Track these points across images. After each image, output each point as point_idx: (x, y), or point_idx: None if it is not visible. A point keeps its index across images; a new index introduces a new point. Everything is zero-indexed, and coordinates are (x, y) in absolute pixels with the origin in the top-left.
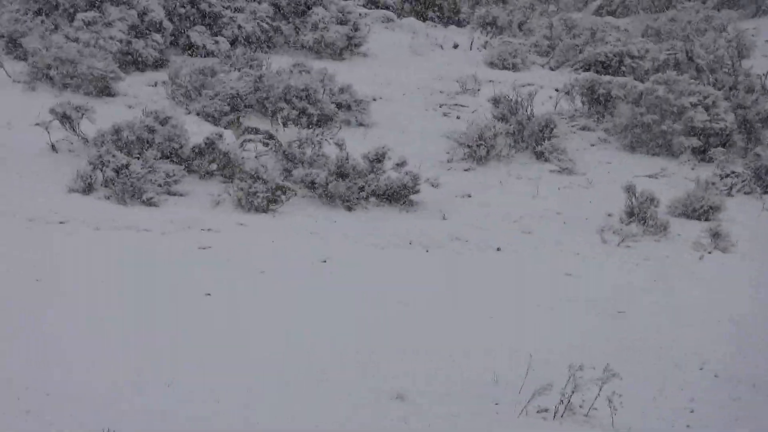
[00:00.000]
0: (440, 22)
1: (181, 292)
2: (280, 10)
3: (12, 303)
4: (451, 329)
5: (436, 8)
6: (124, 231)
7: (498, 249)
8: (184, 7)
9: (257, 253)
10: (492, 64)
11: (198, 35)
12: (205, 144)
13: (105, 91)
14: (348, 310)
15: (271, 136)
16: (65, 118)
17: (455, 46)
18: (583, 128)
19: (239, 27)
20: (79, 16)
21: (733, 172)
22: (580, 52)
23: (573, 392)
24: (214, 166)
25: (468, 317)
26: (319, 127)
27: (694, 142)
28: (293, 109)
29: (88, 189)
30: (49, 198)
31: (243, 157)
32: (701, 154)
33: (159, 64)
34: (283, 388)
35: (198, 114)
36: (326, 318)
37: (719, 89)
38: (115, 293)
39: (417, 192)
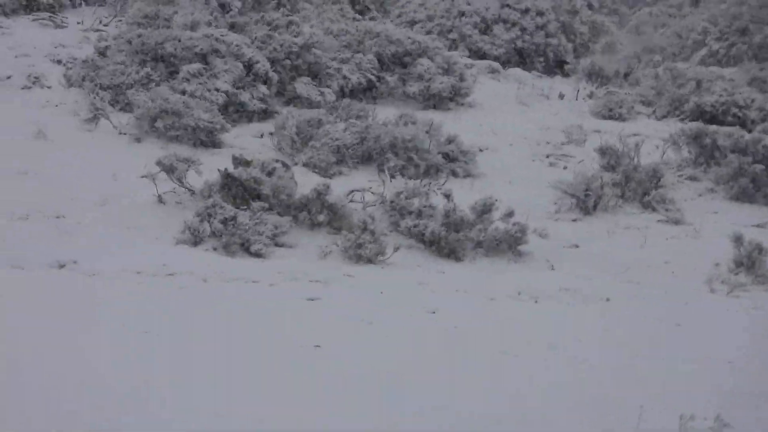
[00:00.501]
0: (545, 73)
1: (291, 344)
2: (384, 61)
3: (130, 360)
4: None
5: (541, 59)
6: (232, 283)
7: (607, 299)
8: (289, 58)
9: (365, 305)
10: (598, 114)
11: (303, 86)
12: (312, 195)
13: (211, 142)
14: (459, 361)
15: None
16: (172, 170)
17: (561, 97)
18: (690, 178)
19: (345, 78)
20: (185, 67)
21: None
22: (686, 102)
23: None
24: (321, 218)
25: (586, 367)
26: (426, 177)
27: None
28: (400, 159)
29: (195, 241)
30: (158, 250)
31: (350, 209)
32: None
33: (265, 116)
34: None
35: (305, 165)
36: (437, 370)
37: None
38: (223, 345)
39: (525, 242)
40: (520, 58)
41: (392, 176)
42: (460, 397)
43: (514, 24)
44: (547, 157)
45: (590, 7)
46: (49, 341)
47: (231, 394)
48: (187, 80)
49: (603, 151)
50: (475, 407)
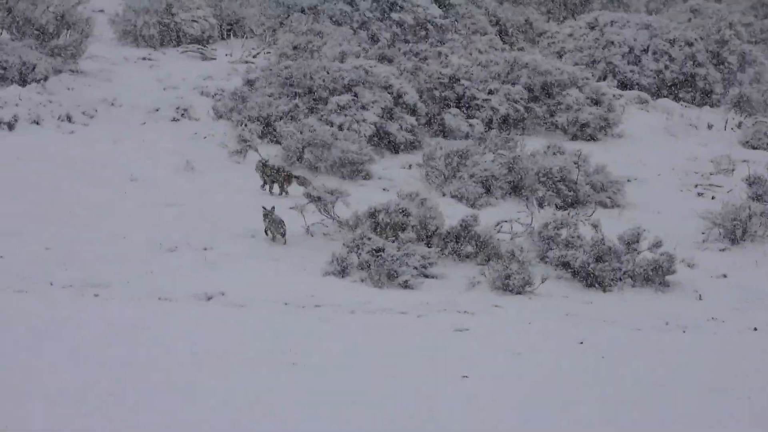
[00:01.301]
0: (694, 103)
1: (439, 375)
2: (533, 92)
3: (269, 385)
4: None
5: (689, 89)
6: (379, 314)
7: (755, 329)
8: (438, 89)
9: (513, 335)
10: (746, 144)
11: (452, 117)
12: (460, 226)
13: (359, 173)
14: (609, 394)
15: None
16: (320, 202)
17: (709, 127)
18: None
19: (493, 109)
20: (333, 99)
21: None
22: None
23: None
24: (469, 249)
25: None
26: (574, 208)
27: None
28: (548, 190)
29: (343, 272)
30: (305, 281)
31: (498, 239)
32: None
33: (412, 147)
34: None
35: (452, 196)
36: (588, 402)
37: None
38: (371, 376)
39: (672, 272)
40: (669, 88)
41: (540, 207)
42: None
43: (662, 54)
44: (695, 186)
45: (738, 36)
46: (198, 378)
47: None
48: (336, 112)
49: (751, 181)
50: None
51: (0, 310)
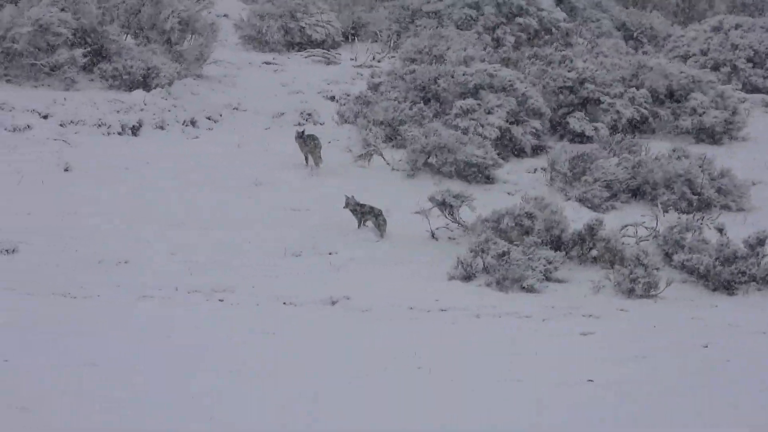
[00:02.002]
0: None
1: (566, 378)
2: (657, 96)
3: (397, 389)
4: None
5: None
6: (505, 318)
7: None
8: (562, 93)
9: (638, 339)
10: None
11: (576, 121)
12: (585, 230)
13: (484, 178)
14: (735, 396)
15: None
16: (444, 206)
17: None
18: None
19: (617, 113)
20: (458, 103)
21: None
22: None
23: None
24: (594, 252)
25: None
26: (699, 212)
27: None
28: (673, 194)
29: (468, 276)
30: (430, 286)
31: (623, 243)
32: None
33: (537, 151)
34: None
35: (577, 200)
36: (720, 407)
37: None
38: (493, 379)
39: None
40: None
41: (665, 210)
42: None
43: None
44: None
45: None
46: (333, 384)
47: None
48: (460, 116)
49: None
50: None
51: (129, 317)
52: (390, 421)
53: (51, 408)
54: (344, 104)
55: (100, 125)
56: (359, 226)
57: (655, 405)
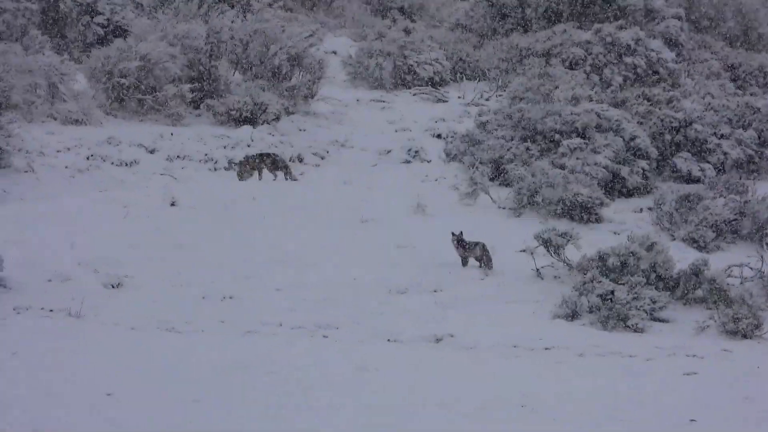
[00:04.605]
0: None
1: (664, 418)
2: (764, 136)
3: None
4: None
5: None
6: (608, 357)
7: None
8: (669, 133)
9: (742, 379)
10: None
11: (683, 161)
12: (690, 270)
13: (590, 216)
14: None
15: None
16: (550, 245)
17: None
18: None
19: (724, 153)
20: (565, 142)
21: None
22: None
23: None
24: (698, 293)
25: None
26: None
27: None
28: None
29: (572, 315)
30: (534, 324)
31: (728, 284)
32: None
33: (644, 190)
34: None
35: (683, 240)
36: None
37: None
38: (597, 418)
39: None
40: None
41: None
42: None
43: None
44: None
45: None
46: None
47: None
48: (567, 155)
49: None
50: None
51: (235, 350)
52: None
53: None
54: (451, 142)
55: (206, 160)
56: (463, 264)
57: None
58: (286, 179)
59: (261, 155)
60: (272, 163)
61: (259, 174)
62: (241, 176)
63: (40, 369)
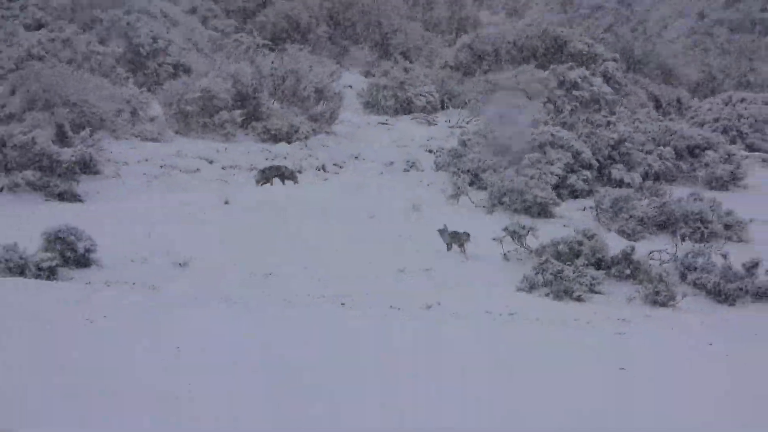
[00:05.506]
0: None
1: (599, 367)
2: (679, 152)
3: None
4: None
5: None
6: (558, 320)
7: None
8: (608, 149)
9: (660, 337)
10: None
11: (617, 171)
12: (621, 255)
13: (545, 213)
14: (732, 384)
15: None
16: (515, 235)
17: None
18: None
19: (649, 165)
20: (527, 156)
21: None
22: None
23: None
24: (627, 272)
25: None
26: (708, 242)
27: None
28: (689, 228)
29: (530, 288)
30: (502, 295)
31: (650, 265)
32: None
33: (587, 193)
34: None
35: (616, 232)
36: (718, 394)
37: None
38: (545, 370)
39: None
40: None
41: (682, 240)
42: None
43: None
44: None
45: None
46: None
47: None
48: (528, 166)
49: None
50: None
51: (276, 318)
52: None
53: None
54: (440, 156)
55: (252, 169)
56: (448, 249)
57: (679, 385)
58: (294, 184)
59: (272, 167)
60: (281, 173)
61: (271, 182)
62: (258, 183)
63: (122, 329)
